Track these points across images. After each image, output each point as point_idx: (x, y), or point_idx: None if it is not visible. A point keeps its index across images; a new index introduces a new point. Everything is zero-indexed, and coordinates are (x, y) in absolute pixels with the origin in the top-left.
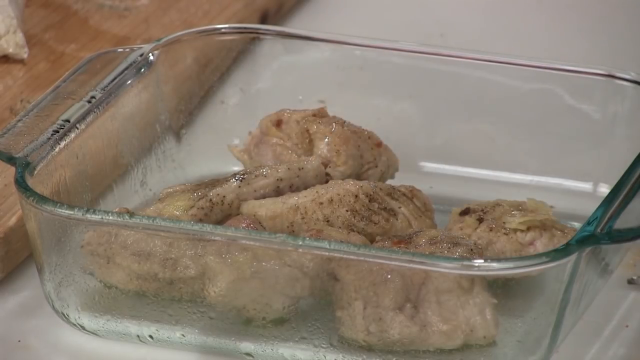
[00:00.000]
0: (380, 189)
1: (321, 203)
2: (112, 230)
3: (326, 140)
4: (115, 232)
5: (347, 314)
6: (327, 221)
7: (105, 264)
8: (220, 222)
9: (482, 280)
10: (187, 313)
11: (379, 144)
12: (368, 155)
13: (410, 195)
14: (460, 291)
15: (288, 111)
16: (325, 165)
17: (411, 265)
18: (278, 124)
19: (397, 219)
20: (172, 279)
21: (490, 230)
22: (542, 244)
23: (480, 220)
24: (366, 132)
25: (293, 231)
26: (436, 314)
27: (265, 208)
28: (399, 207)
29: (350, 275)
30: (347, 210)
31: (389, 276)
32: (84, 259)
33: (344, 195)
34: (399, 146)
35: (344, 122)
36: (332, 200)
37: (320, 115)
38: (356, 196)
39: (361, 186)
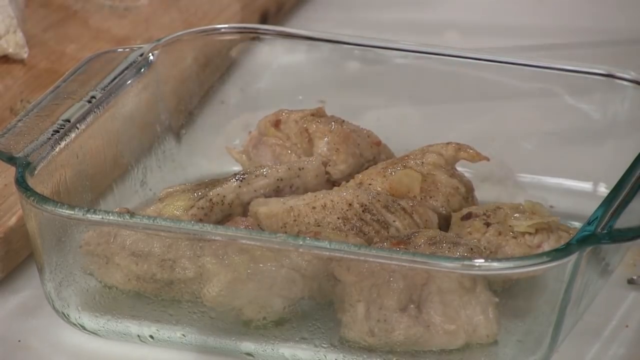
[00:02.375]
0: (379, 200)
1: (314, 207)
2: (110, 231)
3: (326, 139)
4: (114, 233)
5: (349, 316)
6: (318, 226)
7: (104, 264)
8: (220, 222)
9: (484, 280)
10: (188, 313)
11: (378, 143)
12: (367, 154)
13: (410, 210)
14: (462, 291)
15: (286, 111)
16: (325, 164)
17: (413, 265)
18: (276, 124)
19: (388, 232)
20: (171, 279)
21: (499, 234)
22: (549, 246)
23: (488, 225)
24: (365, 131)
25: (285, 232)
26: (439, 314)
27: (267, 207)
28: (394, 221)
29: (352, 277)
30: (338, 218)
31: (392, 277)
32: (83, 259)
33: (337, 202)
34: (398, 146)
35: (343, 121)
36: (325, 205)
37: (318, 114)
38: (350, 204)
39: (357, 195)
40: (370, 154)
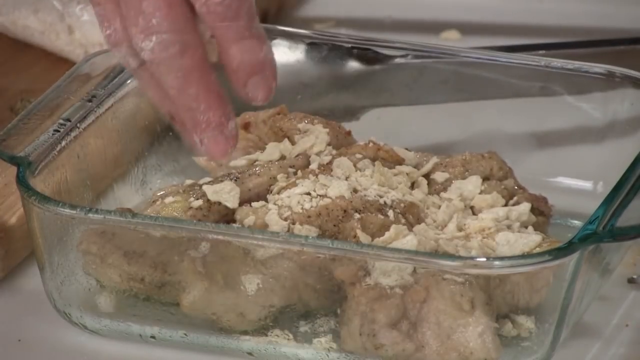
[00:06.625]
0: (372, 204)
1: (309, 216)
2: (106, 230)
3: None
4: (108, 232)
5: (346, 330)
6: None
7: (99, 264)
8: (217, 222)
9: (483, 303)
10: (184, 315)
11: (348, 133)
12: (344, 142)
13: (403, 210)
14: (459, 313)
15: (250, 113)
16: (308, 157)
17: (413, 263)
18: (246, 126)
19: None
20: (162, 282)
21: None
22: None
23: None
24: (334, 123)
25: None
26: (434, 335)
27: (256, 217)
28: None
29: (356, 291)
30: (334, 225)
31: (388, 291)
32: (83, 258)
33: (332, 210)
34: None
35: (306, 115)
36: (320, 214)
37: (283, 113)
38: (345, 211)
39: (351, 201)
40: (347, 142)
